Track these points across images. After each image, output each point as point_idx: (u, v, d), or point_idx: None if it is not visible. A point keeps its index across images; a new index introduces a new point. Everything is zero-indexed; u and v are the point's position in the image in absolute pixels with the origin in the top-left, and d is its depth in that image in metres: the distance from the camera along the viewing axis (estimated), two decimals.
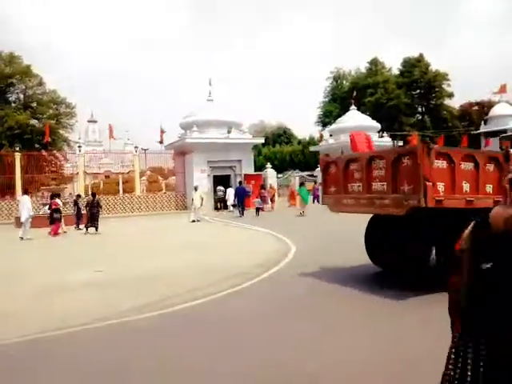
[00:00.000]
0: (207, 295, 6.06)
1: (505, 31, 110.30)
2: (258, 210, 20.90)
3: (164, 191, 30.16)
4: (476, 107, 49.90)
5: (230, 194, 23.73)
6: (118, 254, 10.62)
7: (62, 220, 15.57)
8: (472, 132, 44.82)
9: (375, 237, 7.19)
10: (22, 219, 14.07)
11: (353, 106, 33.94)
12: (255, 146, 55.03)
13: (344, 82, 54.45)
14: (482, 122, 45.09)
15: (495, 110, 44.35)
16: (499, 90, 43.63)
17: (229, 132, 25.75)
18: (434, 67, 47.49)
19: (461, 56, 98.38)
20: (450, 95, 47.69)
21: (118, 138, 40.17)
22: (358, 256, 7.90)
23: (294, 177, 30.80)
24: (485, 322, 1.46)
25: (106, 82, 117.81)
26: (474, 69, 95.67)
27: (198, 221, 18.28)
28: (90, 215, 15.31)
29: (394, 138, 34.90)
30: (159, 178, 42.37)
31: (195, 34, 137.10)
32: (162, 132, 28.15)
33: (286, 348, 4.13)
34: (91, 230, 15.06)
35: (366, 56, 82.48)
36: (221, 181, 26.03)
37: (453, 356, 1.53)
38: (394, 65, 51.51)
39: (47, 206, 16.62)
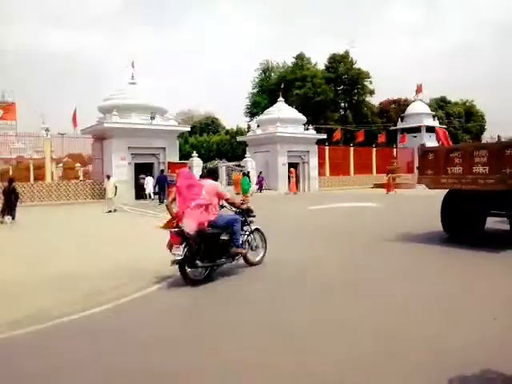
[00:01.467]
0: (103, 303, 5.14)
1: (422, 35, 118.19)
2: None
3: (81, 179, 28.11)
4: (394, 105, 52.75)
5: (149, 182, 23.48)
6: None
7: None
8: (390, 128, 47.37)
9: (449, 210, 9.19)
10: None
11: (280, 98, 33.98)
12: (182, 135, 53.75)
13: (272, 74, 54.68)
14: (399, 119, 47.84)
15: (411, 108, 47.25)
16: (416, 90, 46.44)
17: (152, 118, 24.48)
18: (358, 65, 49.24)
19: (381, 56, 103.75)
20: (371, 92, 49.80)
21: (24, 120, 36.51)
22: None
23: (221, 166, 30.19)
24: None
25: (21, 62, 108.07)
26: (391, 68, 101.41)
27: (115, 211, 17.09)
28: (5, 203, 14.16)
29: (318, 131, 35.59)
30: (77, 165, 39.71)
31: (122, 13, 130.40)
32: (75, 115, 25.64)
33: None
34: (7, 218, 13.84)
35: (292, 51, 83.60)
36: (143, 169, 24.79)
37: None
38: (319, 61, 52.68)
39: None
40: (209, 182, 6.42)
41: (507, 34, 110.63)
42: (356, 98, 49.86)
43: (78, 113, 26.20)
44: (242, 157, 31.75)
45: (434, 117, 47.05)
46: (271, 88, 48.07)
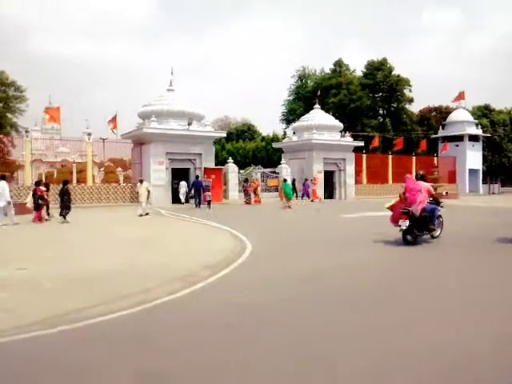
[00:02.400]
0: (134, 305, 5.06)
1: (461, 42, 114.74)
2: (209, 202, 21.63)
3: (120, 183, 28.83)
4: (434, 113, 51.29)
5: (183, 186, 24.53)
6: (43, 248, 9.63)
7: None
8: (431, 136, 46.02)
9: None
10: (1, 204, 13.63)
11: (317, 105, 33.76)
12: (218, 141, 54.46)
13: (309, 81, 54.53)
14: (440, 127, 46.39)
15: (453, 116, 45.73)
16: (457, 97, 44.92)
17: (189, 124, 24.83)
18: (396, 72, 48.28)
19: (420, 63, 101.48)
20: (411, 100, 48.68)
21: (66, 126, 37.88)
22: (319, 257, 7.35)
23: (256, 173, 30.23)
24: None
25: (64, 70, 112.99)
26: (431, 76, 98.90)
27: (147, 214, 17.14)
28: (61, 203, 15.25)
29: (355, 138, 35.06)
30: (119, 169, 40.87)
31: (158, 21, 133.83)
32: (115, 120, 26.18)
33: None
34: (60, 218, 14.90)
35: (331, 57, 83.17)
36: (180, 174, 25.18)
37: None
38: (357, 67, 52.06)
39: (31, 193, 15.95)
40: (422, 183, 9.93)
41: None
42: (395, 105, 48.83)
43: (118, 119, 26.81)
44: (277, 163, 31.70)
45: (477, 125, 45.32)
46: (307, 95, 47.96)
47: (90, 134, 25.18)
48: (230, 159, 28.64)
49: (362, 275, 6.75)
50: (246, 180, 26.84)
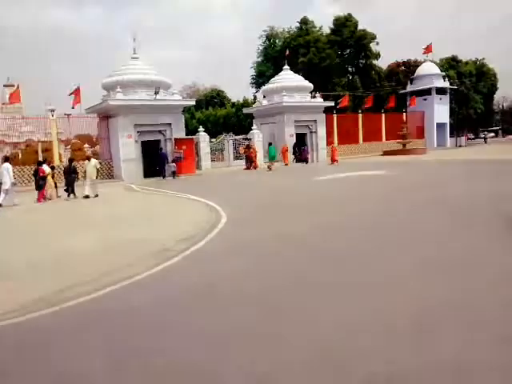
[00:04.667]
0: (114, 282, 5.17)
1: None
2: (174, 173, 22.81)
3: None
4: (403, 67, 51.27)
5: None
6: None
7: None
8: (399, 92, 46.23)
9: None
10: (6, 187, 14.06)
11: (286, 66, 33.17)
12: (188, 110, 53.29)
13: (277, 41, 53.28)
14: (409, 82, 46.58)
15: (421, 70, 45.85)
16: (425, 50, 44.96)
17: (156, 93, 24.05)
18: (361, 27, 47.66)
19: (385, 18, 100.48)
20: (377, 55, 48.38)
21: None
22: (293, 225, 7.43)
23: (228, 140, 29.87)
24: None
25: (18, 41, 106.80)
26: (397, 31, 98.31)
27: (96, 196, 15.58)
28: (66, 181, 16.08)
29: (326, 98, 34.88)
30: (86, 146, 39.60)
31: None
32: (78, 93, 25.08)
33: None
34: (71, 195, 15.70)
35: (297, 15, 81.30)
36: (150, 146, 24.65)
37: None
38: (323, 25, 51.13)
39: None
40: None
41: None
42: (363, 61, 48.49)
43: (84, 92, 25.71)
44: (249, 129, 31.39)
45: (444, 77, 45.67)
46: (276, 56, 47.02)
47: (53, 111, 24.07)
48: (201, 128, 28.14)
49: (339, 236, 6.87)
50: (248, 146, 27.89)
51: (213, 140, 30.30)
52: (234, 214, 9.67)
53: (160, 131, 24.96)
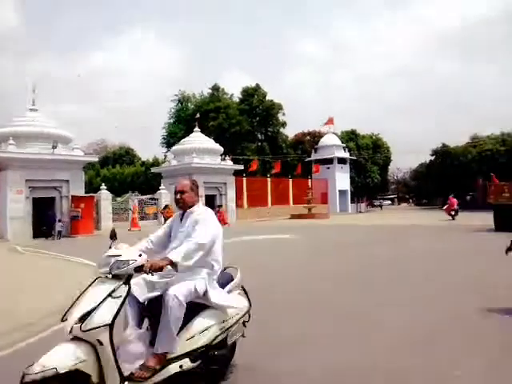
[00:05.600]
0: None
1: (329, 72, 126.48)
2: (60, 233, 21.42)
3: None
4: (308, 137, 54.80)
5: None
6: None
7: None
8: (305, 160, 48.88)
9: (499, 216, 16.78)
10: None
11: (196, 128, 33.44)
12: (92, 167, 50.74)
13: (189, 104, 54.32)
14: (313, 151, 49.66)
15: (324, 140, 49.36)
16: (327, 122, 48.70)
17: (54, 147, 22.39)
18: (270, 97, 50.66)
19: (291, 91, 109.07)
20: (284, 124, 51.33)
21: None
22: None
23: (133, 200, 28.45)
24: None
25: None
26: (303, 103, 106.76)
27: None
28: None
29: (235, 162, 35.46)
30: None
31: (23, 38, 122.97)
32: None
33: None
34: None
35: (209, 82, 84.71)
36: (44, 203, 22.45)
37: None
38: (234, 93, 53.52)
39: None
40: None
41: (402, 71, 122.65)
42: (271, 129, 51.01)
43: None
44: (156, 189, 30.36)
45: (344, 148, 49.48)
46: (187, 118, 47.57)
47: None
48: (103, 186, 26.55)
49: None
50: (166, 206, 26.00)
51: (118, 199, 28.72)
52: None
53: (55, 187, 22.99)
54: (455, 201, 27.24)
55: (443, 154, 51.71)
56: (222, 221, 26.57)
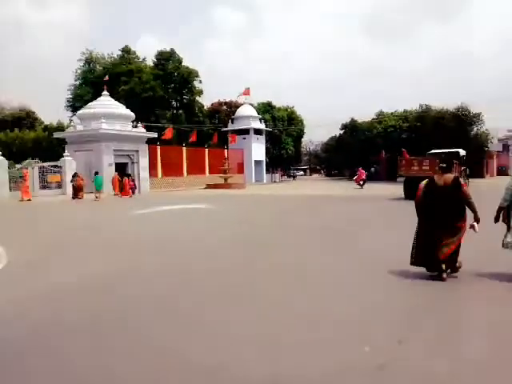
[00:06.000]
0: None
1: (246, 40, 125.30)
2: None
3: None
4: (224, 107, 54.13)
5: None
6: None
7: None
8: (221, 129, 48.39)
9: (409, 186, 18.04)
10: None
11: (105, 92, 31.17)
12: None
13: (97, 65, 50.45)
14: (230, 121, 49.26)
15: (240, 111, 49.07)
16: (243, 93, 48.35)
17: None
18: (186, 64, 48.88)
19: (207, 59, 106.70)
20: (200, 92, 50.09)
21: None
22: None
23: (33, 167, 26.01)
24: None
25: None
26: (219, 72, 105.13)
27: None
28: None
29: (149, 129, 33.94)
30: None
31: None
32: None
33: None
34: None
35: (118, 44, 79.44)
36: None
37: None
38: (147, 57, 50.82)
39: None
40: None
41: (321, 45, 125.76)
42: (187, 97, 49.50)
43: None
44: (60, 156, 28.04)
45: (261, 120, 49.77)
46: (96, 81, 44.25)
47: None
48: None
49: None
50: (76, 174, 25.03)
51: (17, 165, 26.13)
52: (18, 256, 7.76)
53: None
54: (363, 172, 30.89)
55: (352, 129, 54.43)
56: (125, 191, 25.46)
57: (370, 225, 11.55)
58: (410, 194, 17.51)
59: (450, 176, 5.73)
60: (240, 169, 45.13)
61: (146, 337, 3.94)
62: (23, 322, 4.42)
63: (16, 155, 36.19)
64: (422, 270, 5.80)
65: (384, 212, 15.33)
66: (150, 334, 4.03)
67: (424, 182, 5.93)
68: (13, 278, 6.37)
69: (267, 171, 52.27)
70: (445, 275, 5.56)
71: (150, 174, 32.20)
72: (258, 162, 48.38)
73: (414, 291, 5.27)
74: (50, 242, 9.68)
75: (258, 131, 48.57)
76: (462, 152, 24.15)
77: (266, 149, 50.83)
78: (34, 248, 8.92)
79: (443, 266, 5.58)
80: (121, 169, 28.86)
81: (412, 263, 5.80)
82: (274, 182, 52.26)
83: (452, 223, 5.59)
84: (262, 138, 49.59)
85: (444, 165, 5.86)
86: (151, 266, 6.94)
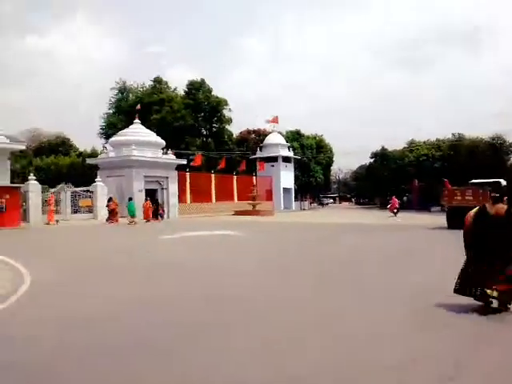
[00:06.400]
0: None
1: (273, 69, 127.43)
2: None
3: None
4: (253, 135, 54.58)
5: None
6: None
7: None
8: (250, 157, 48.56)
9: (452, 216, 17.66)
10: None
11: (136, 120, 31.92)
12: (24, 156, 47.12)
13: (130, 95, 52.07)
14: (258, 149, 49.49)
15: (269, 139, 49.34)
16: (271, 120, 48.70)
17: None
18: (215, 93, 49.81)
19: (237, 87, 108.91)
20: (229, 121, 50.72)
21: None
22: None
23: (66, 192, 26.50)
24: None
25: None
26: (248, 101, 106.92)
27: None
28: None
29: (179, 156, 34.35)
30: None
31: None
32: None
33: None
34: None
35: (150, 74, 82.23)
36: None
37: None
38: (177, 87, 52.13)
39: None
40: None
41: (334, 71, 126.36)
42: (217, 125, 50.20)
43: None
44: (92, 181, 28.55)
45: (289, 148, 49.76)
46: (128, 109, 45.50)
47: None
48: (32, 176, 24.53)
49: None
50: (110, 199, 25.45)
51: (51, 190, 26.72)
52: (41, 278, 7.61)
53: None
54: (396, 201, 30.85)
55: (382, 157, 53.67)
56: (146, 215, 25.40)
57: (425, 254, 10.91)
58: (453, 223, 17.35)
59: (502, 206, 5.53)
60: (268, 196, 44.88)
61: (193, 367, 3.57)
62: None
63: (52, 180, 37.26)
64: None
65: (434, 241, 14.64)
66: (199, 362, 3.66)
67: (474, 211, 5.73)
68: (39, 301, 6.17)
69: (296, 198, 51.83)
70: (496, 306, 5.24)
71: (180, 200, 32.34)
72: (286, 190, 48.07)
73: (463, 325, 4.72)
74: (80, 265, 9.53)
75: (286, 159, 48.49)
76: (503, 182, 23.24)
77: (295, 176, 50.58)
78: (68, 269, 8.78)
79: (494, 295, 5.17)
80: (151, 195, 29.06)
81: (455, 291, 5.51)
82: (303, 209, 51.69)
83: (503, 252, 5.31)
84: (291, 166, 49.44)
85: (497, 194, 5.74)
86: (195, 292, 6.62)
